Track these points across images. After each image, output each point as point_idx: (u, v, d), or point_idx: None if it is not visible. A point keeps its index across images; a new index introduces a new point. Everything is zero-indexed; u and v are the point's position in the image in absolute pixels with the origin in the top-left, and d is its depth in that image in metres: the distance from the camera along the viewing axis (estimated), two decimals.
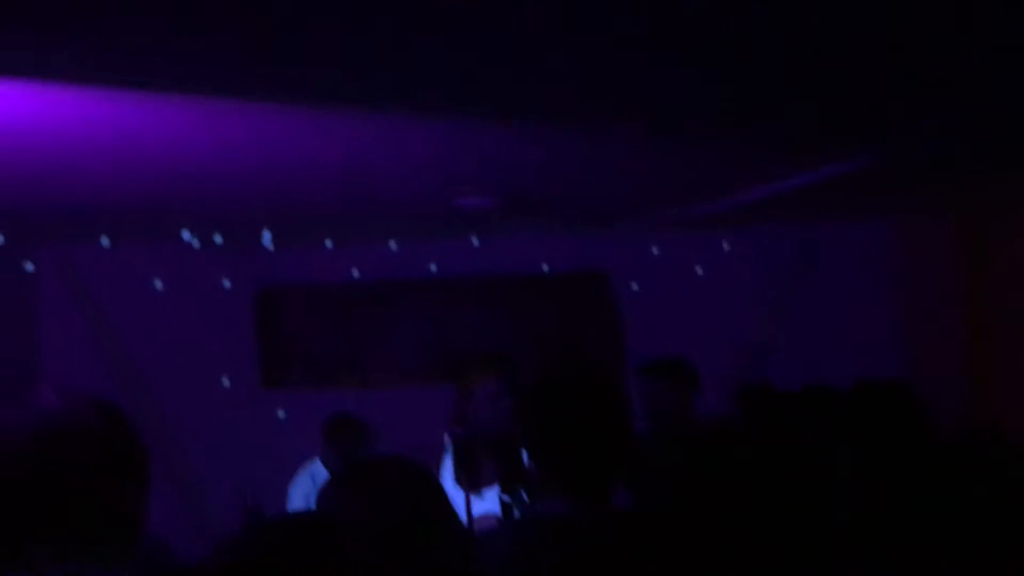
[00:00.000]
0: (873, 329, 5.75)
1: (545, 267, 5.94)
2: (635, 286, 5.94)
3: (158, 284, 5.57)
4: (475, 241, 5.81)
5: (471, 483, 3.04)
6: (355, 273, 5.86)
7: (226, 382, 5.69)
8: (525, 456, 3.07)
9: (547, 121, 2.80)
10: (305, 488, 5.01)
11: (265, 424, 5.72)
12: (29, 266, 5.22)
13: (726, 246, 5.91)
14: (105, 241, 5.17)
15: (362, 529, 1.77)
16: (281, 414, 5.79)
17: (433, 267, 5.89)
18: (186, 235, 5.09)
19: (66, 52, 1.94)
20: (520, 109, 2.63)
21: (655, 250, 5.93)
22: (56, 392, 1.90)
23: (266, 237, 5.26)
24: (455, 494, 2.85)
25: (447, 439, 3.15)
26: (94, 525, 1.84)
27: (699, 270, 5.93)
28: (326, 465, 5.08)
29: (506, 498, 2.95)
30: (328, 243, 5.68)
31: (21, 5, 1.70)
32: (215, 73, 2.10)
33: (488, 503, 3.06)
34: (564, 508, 1.83)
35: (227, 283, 5.71)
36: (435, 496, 1.85)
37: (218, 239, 5.28)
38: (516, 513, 2.93)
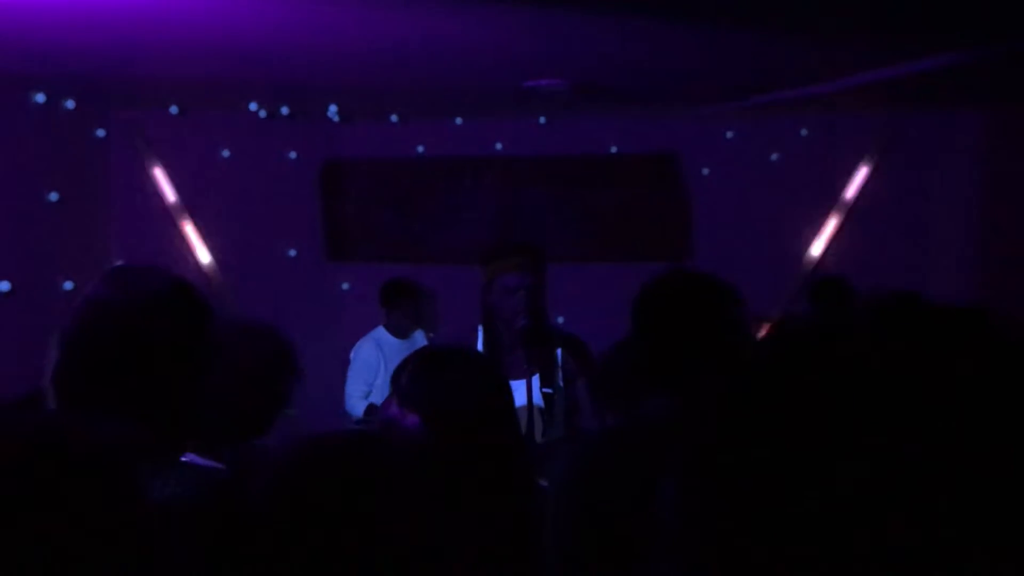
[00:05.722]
0: (951, 226, 5.54)
1: (613, 148, 5.79)
2: (706, 170, 5.78)
3: (225, 153, 5.58)
4: (542, 120, 5.67)
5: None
6: (420, 149, 5.79)
7: (292, 253, 5.76)
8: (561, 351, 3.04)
9: (621, 9, 2.66)
10: (368, 352, 5.11)
11: (330, 296, 5.81)
12: (100, 132, 5.26)
13: (804, 132, 5.68)
14: (174, 109, 5.16)
15: (434, 413, 1.83)
16: (345, 286, 5.86)
17: (499, 146, 5.78)
18: (253, 106, 5.05)
19: None
20: None
21: (729, 134, 5.73)
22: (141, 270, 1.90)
23: (332, 110, 5.20)
24: None
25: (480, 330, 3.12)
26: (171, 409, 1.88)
27: (774, 156, 5.73)
28: (389, 330, 5.18)
29: (548, 390, 2.95)
30: (394, 118, 5.60)
31: None
32: None
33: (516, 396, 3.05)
34: (671, 407, 1.78)
35: (293, 154, 5.70)
36: (503, 389, 1.92)
37: (284, 111, 5.24)
38: (557, 405, 2.93)
